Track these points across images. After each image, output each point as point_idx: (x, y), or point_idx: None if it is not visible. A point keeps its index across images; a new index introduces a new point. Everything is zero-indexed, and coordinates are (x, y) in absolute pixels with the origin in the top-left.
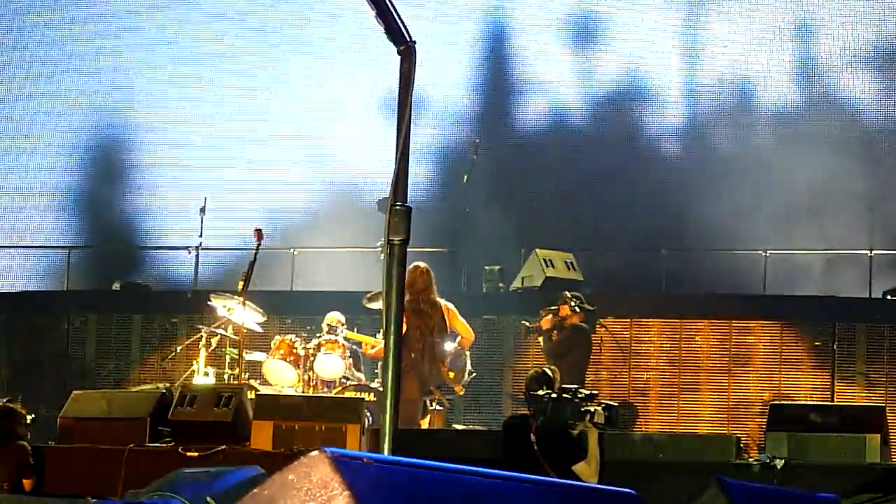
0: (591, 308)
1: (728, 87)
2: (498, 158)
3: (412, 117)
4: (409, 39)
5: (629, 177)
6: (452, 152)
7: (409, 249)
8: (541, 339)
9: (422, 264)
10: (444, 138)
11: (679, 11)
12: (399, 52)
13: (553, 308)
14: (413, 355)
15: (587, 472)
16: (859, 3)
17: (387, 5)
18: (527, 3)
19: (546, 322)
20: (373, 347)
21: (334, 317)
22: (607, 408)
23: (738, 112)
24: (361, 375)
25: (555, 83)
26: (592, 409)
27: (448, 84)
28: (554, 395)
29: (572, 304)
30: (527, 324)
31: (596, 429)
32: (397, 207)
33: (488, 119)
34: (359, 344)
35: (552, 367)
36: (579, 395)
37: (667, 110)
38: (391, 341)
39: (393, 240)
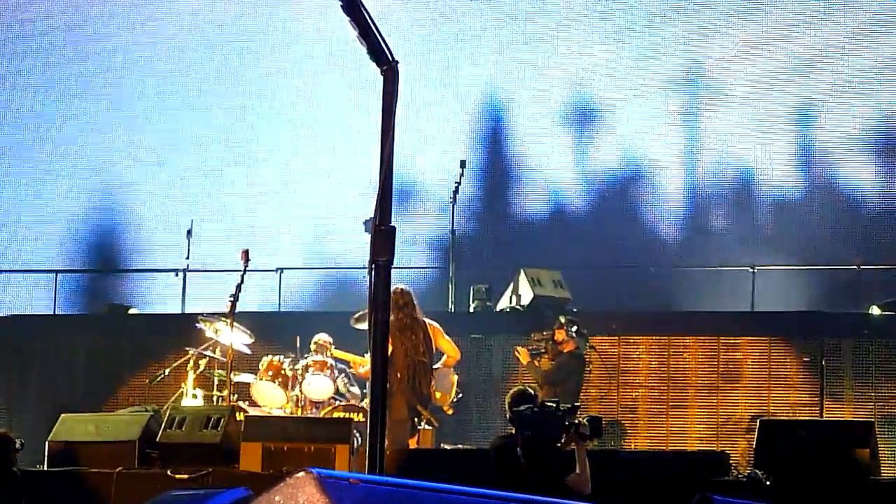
0: (585, 332)
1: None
2: (485, 178)
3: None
4: (391, 59)
5: (614, 192)
6: (439, 171)
7: (395, 268)
8: (535, 362)
9: (403, 286)
10: (428, 154)
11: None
12: (382, 73)
13: (546, 333)
14: (399, 375)
15: (579, 482)
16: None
17: (369, 25)
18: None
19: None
20: (362, 367)
21: (322, 338)
22: (592, 419)
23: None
24: (357, 391)
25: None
26: (577, 420)
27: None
28: (537, 410)
29: (568, 329)
30: (522, 348)
31: (582, 440)
32: (381, 228)
33: (474, 140)
34: (347, 363)
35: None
36: (562, 409)
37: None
38: (377, 362)
39: (377, 260)
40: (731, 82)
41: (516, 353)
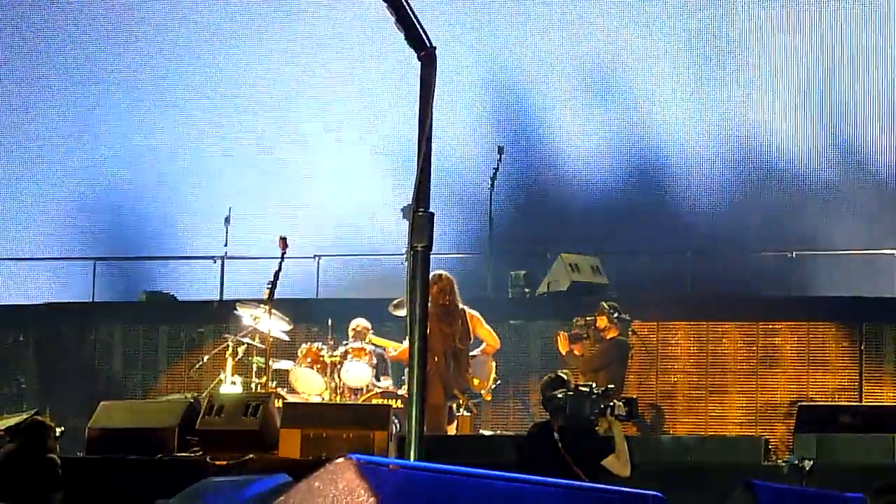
0: (628, 318)
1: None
2: (523, 164)
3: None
4: (429, 45)
5: (653, 177)
6: (477, 158)
7: (433, 255)
8: (575, 350)
9: (444, 272)
10: (469, 145)
11: None
12: (419, 58)
13: (589, 318)
14: (437, 360)
15: (617, 464)
16: None
17: (407, 11)
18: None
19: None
20: (395, 350)
21: (360, 323)
22: (627, 401)
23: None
24: (388, 383)
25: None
26: (612, 402)
27: (471, 88)
28: (571, 394)
29: (611, 314)
30: (563, 332)
31: (619, 421)
32: (420, 213)
33: (512, 125)
34: (383, 348)
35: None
36: (596, 392)
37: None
38: (416, 348)
39: (416, 246)
40: (771, 67)
41: (556, 340)
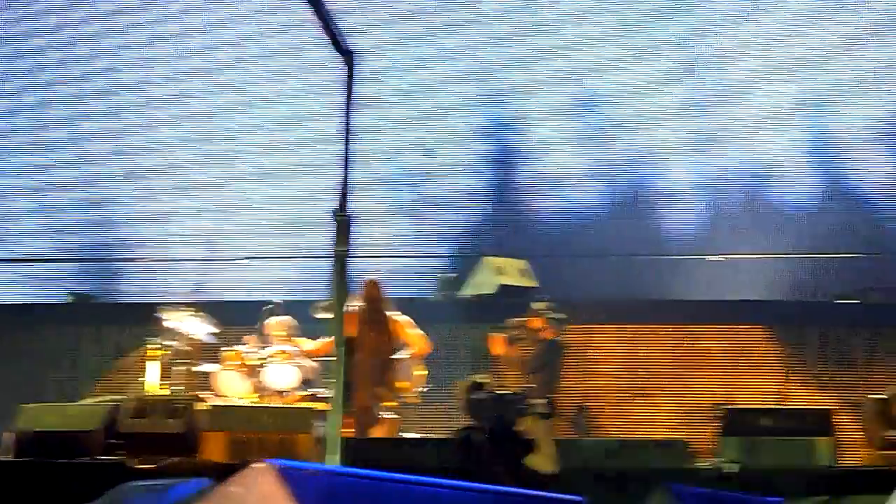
0: (562, 317)
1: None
2: (450, 166)
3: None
4: (349, 50)
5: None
6: (405, 161)
7: (360, 257)
8: (509, 352)
9: (373, 278)
10: (397, 147)
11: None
12: (343, 62)
13: (523, 320)
14: (363, 364)
15: (542, 461)
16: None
17: (328, 17)
18: None
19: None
20: (313, 345)
21: (282, 321)
22: (548, 400)
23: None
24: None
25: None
26: (532, 402)
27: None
28: (491, 395)
29: (545, 316)
30: (496, 334)
31: (541, 420)
32: (342, 217)
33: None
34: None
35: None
36: (515, 393)
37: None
38: (340, 351)
39: (339, 250)
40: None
41: (490, 342)
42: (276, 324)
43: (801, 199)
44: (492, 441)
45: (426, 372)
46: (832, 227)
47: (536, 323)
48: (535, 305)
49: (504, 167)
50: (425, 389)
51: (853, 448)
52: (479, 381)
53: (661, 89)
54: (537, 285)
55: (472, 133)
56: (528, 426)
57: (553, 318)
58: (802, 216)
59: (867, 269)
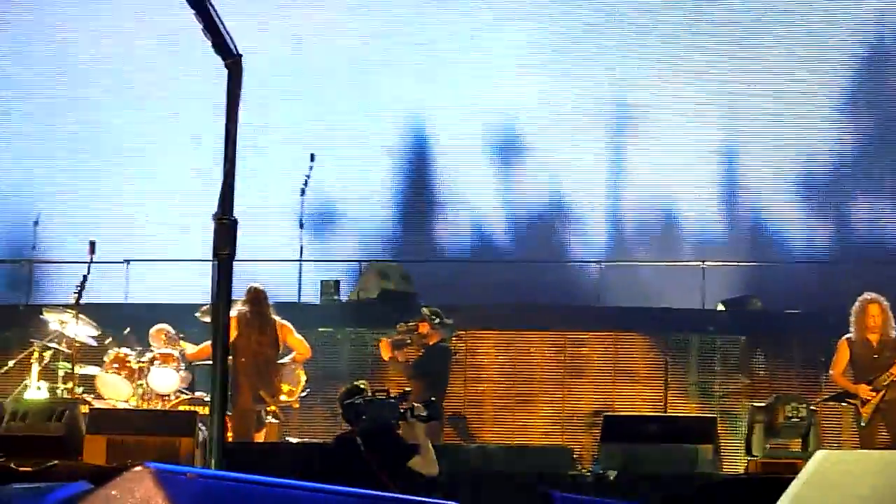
0: (450, 322)
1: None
2: (334, 170)
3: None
4: (235, 53)
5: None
6: (288, 165)
7: (243, 261)
8: (398, 357)
9: (256, 285)
10: (280, 151)
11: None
12: (226, 66)
13: (411, 324)
14: (246, 367)
15: (423, 464)
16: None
17: (213, 19)
18: None
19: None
20: (193, 348)
21: (162, 328)
22: (426, 402)
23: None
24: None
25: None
26: (411, 405)
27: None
28: (368, 399)
29: (432, 320)
30: (385, 339)
31: (420, 422)
32: (224, 220)
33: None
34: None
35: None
36: (393, 397)
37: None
38: (218, 353)
39: (220, 252)
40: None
41: (378, 347)
42: (155, 331)
43: (689, 208)
44: (371, 445)
45: (305, 377)
46: (717, 235)
47: (424, 328)
48: (424, 310)
49: (392, 170)
50: (305, 394)
51: (735, 456)
52: (355, 385)
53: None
54: (416, 291)
55: (360, 136)
56: (407, 429)
57: (440, 324)
58: (687, 224)
59: (749, 278)
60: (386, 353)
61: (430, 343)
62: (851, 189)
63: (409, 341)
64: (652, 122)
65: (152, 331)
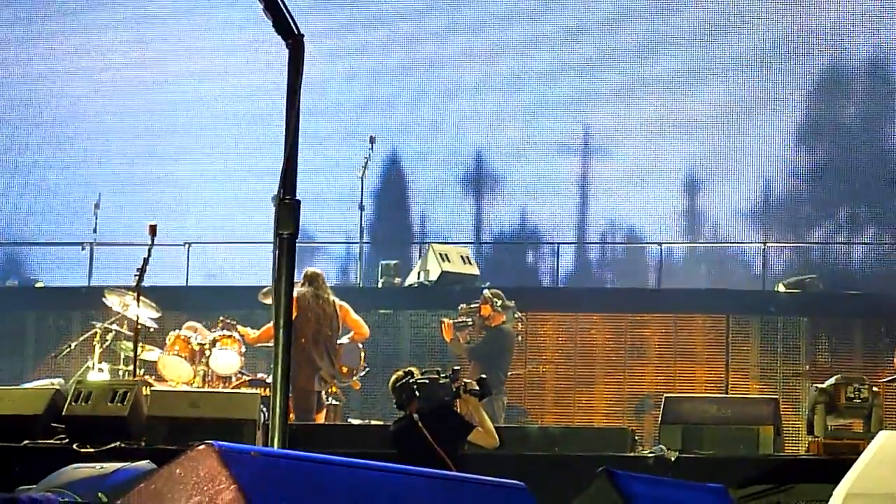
0: (511, 305)
1: None
2: (395, 153)
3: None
4: (297, 32)
5: (524, 167)
6: (348, 146)
7: (304, 244)
8: (460, 338)
9: (313, 269)
10: (340, 132)
11: None
12: (287, 46)
13: (473, 306)
14: (307, 348)
15: (484, 437)
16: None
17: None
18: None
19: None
20: (254, 333)
21: (191, 325)
22: (477, 379)
23: None
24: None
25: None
26: (463, 382)
27: (345, 75)
28: (421, 381)
29: (494, 303)
30: (447, 320)
31: (474, 397)
32: (286, 201)
33: (385, 114)
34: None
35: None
36: (445, 375)
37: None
38: (281, 335)
39: (282, 233)
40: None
41: (441, 327)
42: (186, 328)
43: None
44: (429, 424)
45: (365, 357)
46: (779, 216)
47: (486, 310)
48: (485, 293)
49: (452, 154)
50: (364, 373)
51: (797, 437)
52: (404, 371)
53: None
54: (478, 273)
55: (417, 119)
56: (463, 406)
57: (502, 306)
58: (747, 205)
59: (811, 259)
60: (448, 335)
61: (492, 325)
62: None
63: (470, 323)
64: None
65: (184, 328)
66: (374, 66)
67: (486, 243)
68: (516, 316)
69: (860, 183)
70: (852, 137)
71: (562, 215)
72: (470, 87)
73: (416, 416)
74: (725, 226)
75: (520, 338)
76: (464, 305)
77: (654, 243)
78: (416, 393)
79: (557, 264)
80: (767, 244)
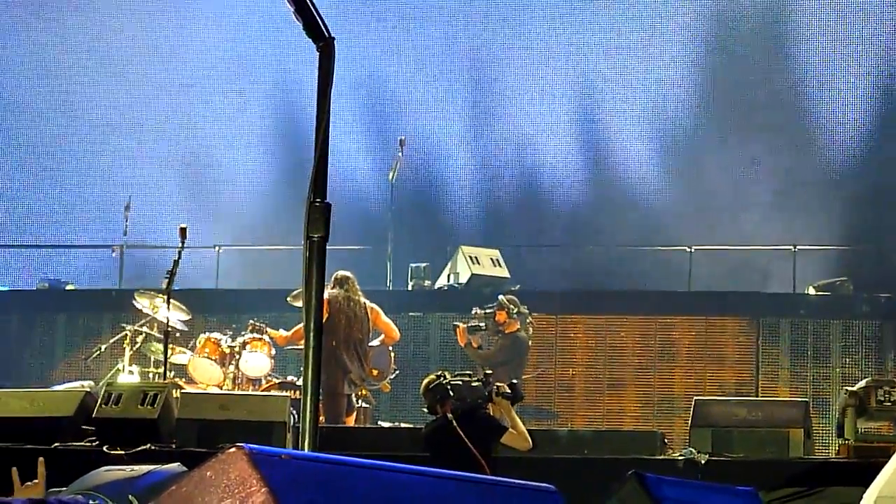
0: (526, 311)
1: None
2: (425, 156)
3: (331, 113)
4: (327, 35)
5: (555, 170)
6: (378, 149)
7: (333, 247)
8: (473, 343)
9: (344, 272)
10: (370, 134)
11: None
12: (318, 49)
13: (489, 312)
14: (334, 344)
15: (517, 440)
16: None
17: (305, 1)
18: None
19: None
20: (284, 332)
21: (211, 336)
22: (509, 384)
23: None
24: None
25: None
26: (494, 385)
27: (376, 77)
28: (454, 382)
29: (510, 310)
30: (461, 325)
31: (506, 400)
32: (316, 203)
33: (414, 117)
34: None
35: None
36: (477, 379)
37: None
38: (311, 338)
39: (312, 236)
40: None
41: (455, 331)
42: (205, 340)
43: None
44: (464, 425)
45: (394, 360)
46: (807, 218)
47: (501, 316)
48: (501, 298)
49: (479, 157)
50: (394, 375)
51: (827, 440)
52: (436, 374)
53: None
54: (509, 276)
55: (447, 122)
56: (495, 409)
57: (517, 313)
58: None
59: (840, 262)
60: (461, 339)
61: (507, 332)
62: None
63: (484, 327)
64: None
65: (201, 339)
66: (404, 67)
67: (516, 246)
68: (528, 321)
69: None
70: None
71: (591, 217)
72: (502, 87)
73: (450, 415)
74: (754, 227)
75: (530, 342)
76: (478, 310)
77: (683, 247)
78: (451, 393)
79: (588, 267)
80: (797, 247)
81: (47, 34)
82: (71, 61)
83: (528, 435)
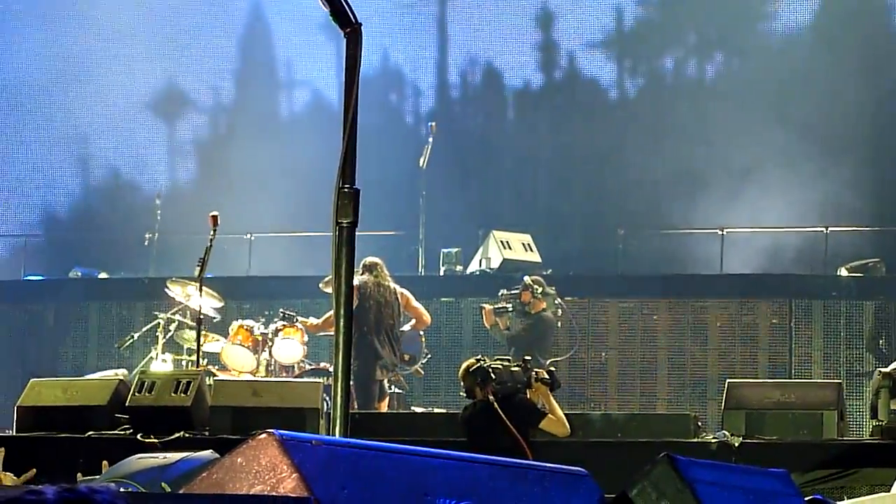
0: (552, 292)
1: None
2: (454, 140)
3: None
4: (354, 21)
5: (588, 153)
6: (409, 134)
7: (364, 233)
8: (500, 324)
9: (373, 259)
10: (401, 120)
11: None
12: (345, 35)
13: (514, 293)
14: (365, 330)
15: (555, 425)
16: None
17: None
18: None
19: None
20: (315, 320)
21: (242, 324)
22: (547, 371)
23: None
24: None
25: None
26: (534, 371)
27: (405, 63)
28: (494, 366)
29: (534, 290)
30: (488, 306)
31: (545, 386)
32: (345, 189)
33: (444, 100)
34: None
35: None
36: (516, 364)
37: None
38: (341, 324)
39: (341, 222)
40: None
41: (481, 313)
42: (237, 327)
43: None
44: (505, 405)
45: (424, 344)
46: (838, 201)
47: (526, 297)
48: (525, 279)
49: (510, 140)
50: (426, 360)
51: (860, 421)
52: (475, 359)
53: None
54: (541, 260)
55: (476, 105)
56: (534, 394)
57: (541, 293)
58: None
59: (873, 243)
60: (488, 321)
61: (532, 312)
62: None
63: (510, 309)
64: None
65: (233, 326)
66: (432, 52)
67: (548, 231)
68: (556, 302)
69: None
70: None
71: (618, 200)
72: (531, 71)
73: (491, 397)
74: (786, 211)
75: (560, 324)
76: (504, 291)
77: (715, 229)
78: (492, 376)
79: (620, 250)
80: (830, 228)
81: (79, 27)
82: (103, 53)
83: (566, 421)
